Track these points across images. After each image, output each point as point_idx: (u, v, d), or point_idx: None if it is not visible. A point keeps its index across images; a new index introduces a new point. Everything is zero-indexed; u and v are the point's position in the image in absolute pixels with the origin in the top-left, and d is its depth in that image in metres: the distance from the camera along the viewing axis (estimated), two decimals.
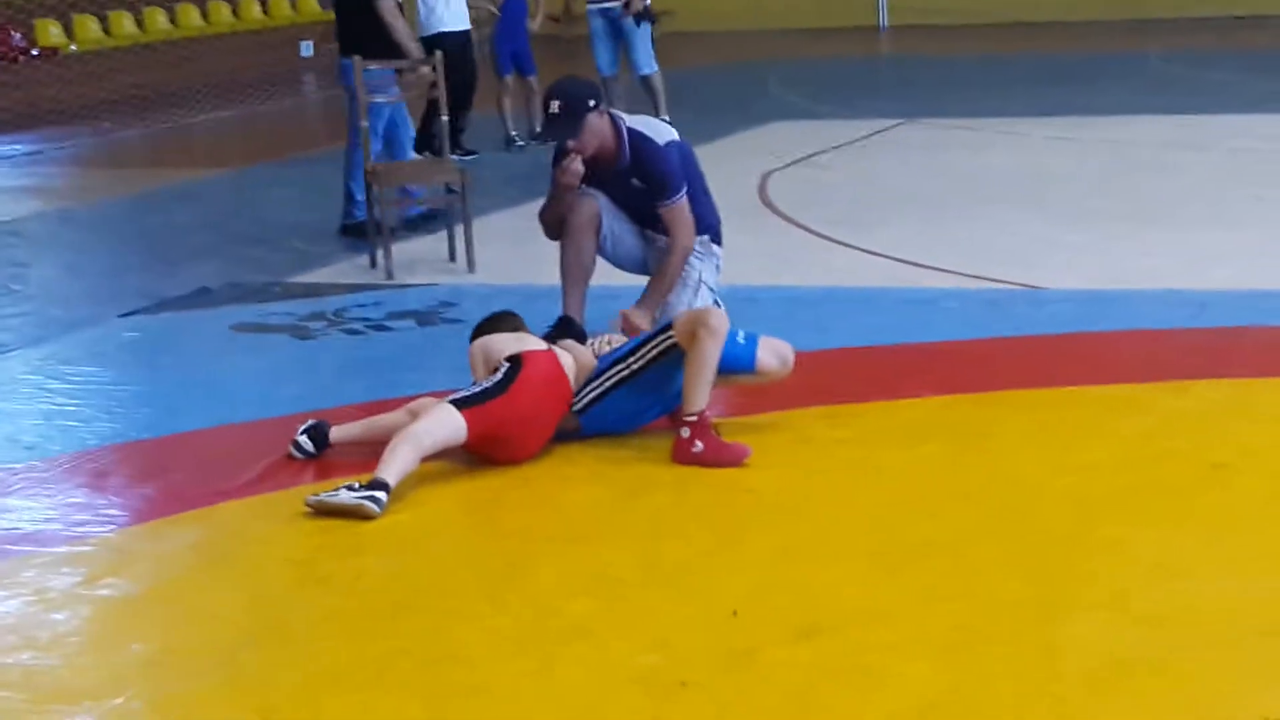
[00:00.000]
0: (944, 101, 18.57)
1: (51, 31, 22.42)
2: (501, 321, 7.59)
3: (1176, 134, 15.70)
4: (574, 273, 8.65)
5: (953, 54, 23.56)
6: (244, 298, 10.59)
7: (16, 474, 7.41)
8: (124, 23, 23.47)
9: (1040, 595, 5.69)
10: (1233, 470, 6.91)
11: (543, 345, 7.45)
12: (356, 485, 6.72)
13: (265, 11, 25.31)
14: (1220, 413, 7.68)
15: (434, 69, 11.69)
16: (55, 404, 8.54)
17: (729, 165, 14.35)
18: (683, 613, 5.55)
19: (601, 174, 8.47)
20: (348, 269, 11.47)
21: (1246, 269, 10.28)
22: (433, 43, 13.16)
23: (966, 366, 8.53)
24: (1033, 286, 10.11)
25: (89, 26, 22.97)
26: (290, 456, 7.29)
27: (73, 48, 22.51)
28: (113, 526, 6.85)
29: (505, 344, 7.35)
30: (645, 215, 8.61)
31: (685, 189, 8.52)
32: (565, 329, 8.31)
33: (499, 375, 7.12)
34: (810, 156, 15.15)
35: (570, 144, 8.27)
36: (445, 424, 6.99)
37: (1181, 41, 23.47)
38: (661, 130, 8.80)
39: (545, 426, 7.28)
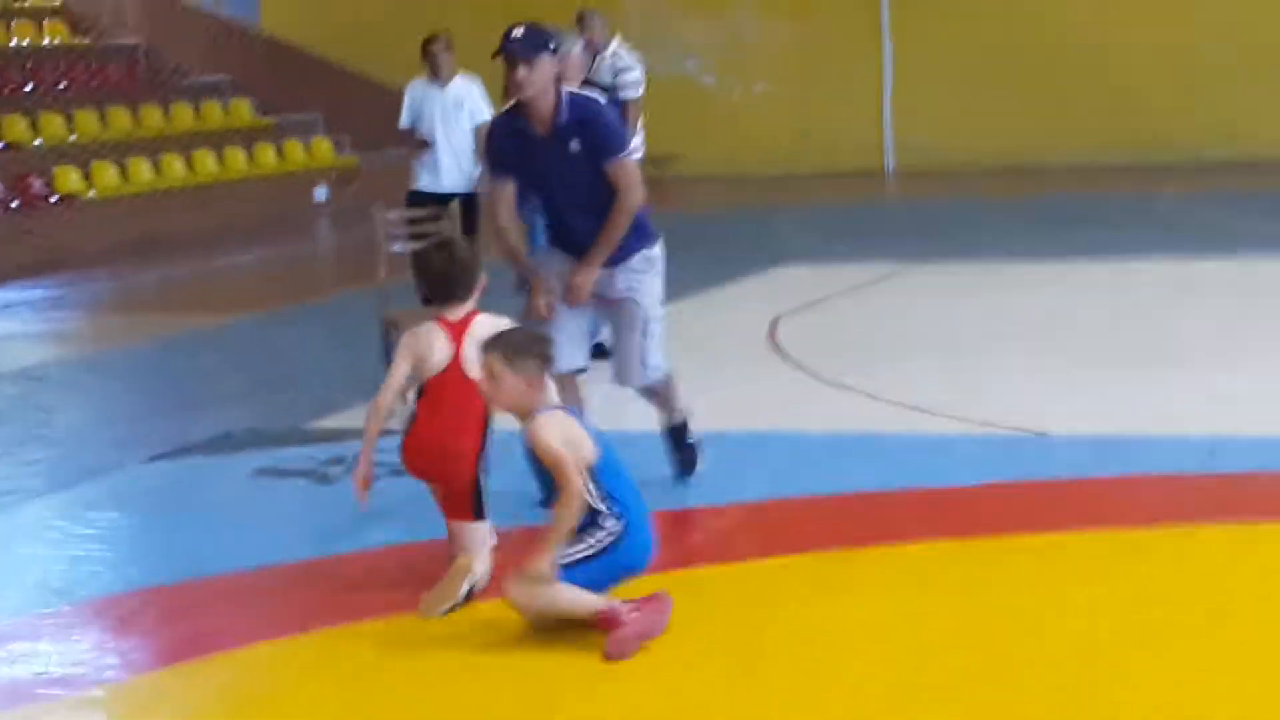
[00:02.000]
0: (952, 245, 18.46)
1: (71, 178, 22.46)
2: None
3: (1186, 276, 15.57)
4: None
5: (960, 197, 23.41)
6: (265, 443, 10.55)
7: (45, 619, 7.38)
8: (142, 169, 23.49)
9: None
10: (1237, 616, 6.82)
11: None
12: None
13: (280, 156, 25.48)
14: (1227, 557, 7.62)
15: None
16: (82, 549, 8.47)
17: (739, 310, 14.59)
18: None
19: (537, 136, 8.16)
20: (364, 415, 11.24)
21: (1258, 413, 10.14)
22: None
23: (975, 511, 8.45)
24: (1041, 432, 9.99)
25: (108, 173, 22.98)
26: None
27: (92, 194, 22.56)
28: (139, 671, 6.82)
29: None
30: (575, 193, 8.27)
31: (629, 151, 8.52)
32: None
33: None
34: (820, 301, 15.06)
35: (519, 73, 7.95)
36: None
37: (1188, 184, 23.21)
38: None
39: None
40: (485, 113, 12.95)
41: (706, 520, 8.29)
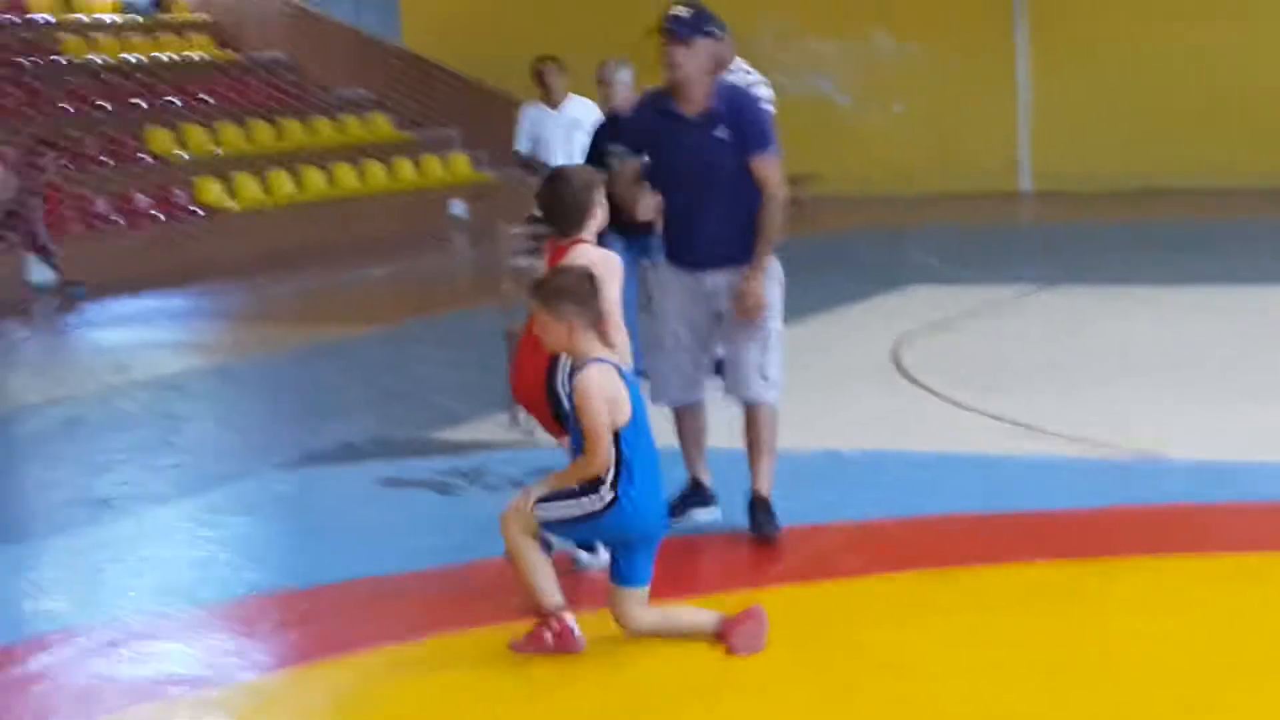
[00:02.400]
0: (1084, 267, 18.33)
1: (213, 191, 22.71)
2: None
3: None
4: None
5: (1095, 219, 23.25)
6: (388, 453, 10.65)
7: (171, 620, 7.51)
8: (282, 182, 23.76)
9: None
10: None
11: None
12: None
13: (418, 171, 25.69)
14: None
15: None
16: (207, 552, 8.66)
17: (866, 328, 14.57)
18: None
19: (684, 119, 7.92)
20: (490, 426, 11.27)
21: None
22: None
23: (1081, 534, 8.41)
24: (1157, 455, 9.89)
25: (249, 186, 23.26)
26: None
27: (233, 206, 22.82)
28: (259, 671, 6.93)
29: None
30: (714, 182, 7.96)
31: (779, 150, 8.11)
32: None
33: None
34: (946, 320, 15.06)
35: (676, 53, 7.74)
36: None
37: None
38: None
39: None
40: None
41: (813, 538, 8.22)
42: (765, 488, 8.13)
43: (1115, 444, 10.22)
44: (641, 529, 6.75)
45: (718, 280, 7.99)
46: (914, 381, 12.50)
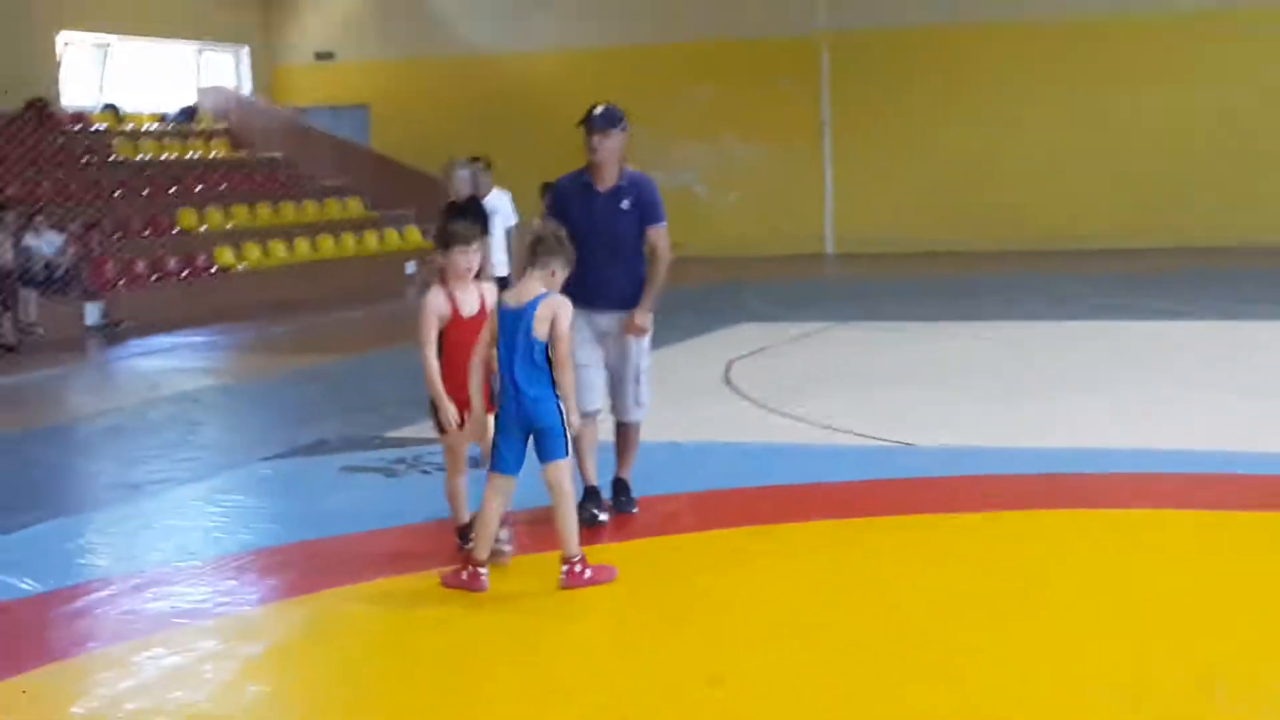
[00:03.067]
0: (871, 309, 18.33)
1: (227, 255, 22.61)
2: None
3: (1053, 334, 15.66)
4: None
5: (880, 275, 23.33)
6: (350, 448, 10.62)
7: (182, 570, 7.61)
8: (279, 249, 23.61)
9: (880, 662, 5.88)
10: (1045, 580, 6.98)
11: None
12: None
13: (381, 241, 25.65)
14: (1036, 536, 7.73)
15: None
16: (212, 521, 8.65)
17: (705, 354, 14.51)
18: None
19: (596, 192, 7.84)
20: (425, 428, 11.28)
21: (1094, 432, 10.26)
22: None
23: (856, 499, 8.56)
24: (915, 444, 10.08)
25: (254, 251, 23.13)
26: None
27: (242, 267, 22.71)
28: (247, 606, 7.10)
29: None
30: (614, 242, 7.84)
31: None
32: None
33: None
34: (766, 349, 15.07)
35: (594, 140, 7.70)
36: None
37: (1072, 266, 23.10)
38: None
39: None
40: (513, 218, 12.52)
41: (660, 505, 8.26)
42: (627, 475, 8.17)
43: (883, 436, 10.41)
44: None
45: (610, 320, 7.86)
46: (739, 393, 12.54)
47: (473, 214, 11.40)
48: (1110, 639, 6.07)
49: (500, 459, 6.94)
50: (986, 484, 8.90)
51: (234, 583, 7.49)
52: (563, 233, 7.07)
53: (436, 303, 7.16)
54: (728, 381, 13.17)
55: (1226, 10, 25.01)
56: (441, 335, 7.16)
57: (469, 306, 7.17)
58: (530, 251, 6.96)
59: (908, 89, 26.66)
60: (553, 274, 6.90)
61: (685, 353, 13.99)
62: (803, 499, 8.69)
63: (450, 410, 7.16)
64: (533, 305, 6.77)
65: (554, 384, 6.84)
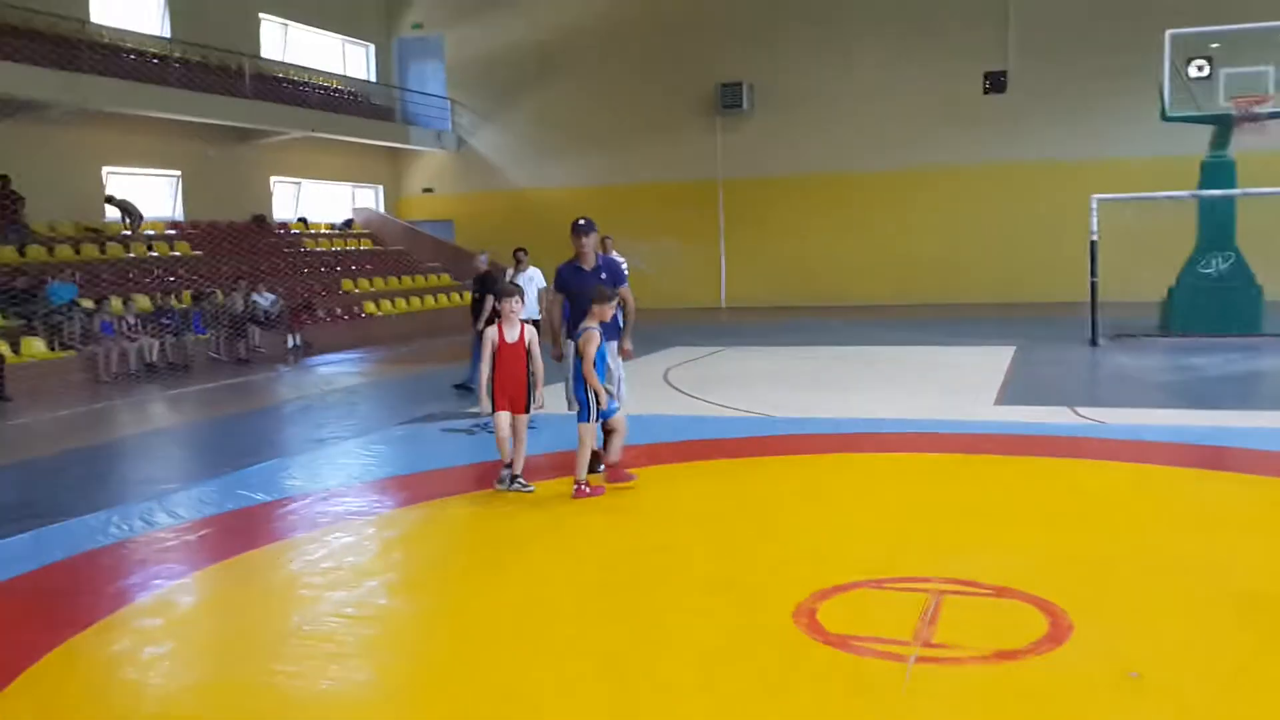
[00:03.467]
0: (752, 340, 18.31)
1: (370, 307, 22.55)
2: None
3: (851, 355, 15.55)
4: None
5: (758, 321, 23.10)
6: (445, 418, 10.65)
7: (350, 488, 7.68)
8: (400, 304, 23.52)
9: (751, 532, 6.11)
10: (832, 486, 7.29)
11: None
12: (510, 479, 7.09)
13: (460, 298, 24.88)
14: (833, 466, 7.89)
15: None
16: (366, 461, 8.72)
17: (652, 365, 14.39)
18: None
19: (583, 270, 7.53)
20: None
21: (874, 409, 10.29)
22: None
23: (743, 448, 8.57)
24: (774, 415, 10.09)
25: (385, 305, 23.08)
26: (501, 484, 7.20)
27: (379, 314, 22.54)
28: (390, 509, 7.11)
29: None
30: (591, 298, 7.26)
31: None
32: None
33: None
34: (689, 361, 15.05)
35: (584, 239, 7.48)
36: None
37: (870, 315, 23.13)
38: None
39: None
40: (542, 284, 12.14)
41: (626, 451, 7.59)
42: (615, 460, 7.41)
43: (761, 411, 10.43)
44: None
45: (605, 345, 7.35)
46: (674, 388, 12.58)
47: (491, 281, 11.91)
48: (856, 513, 6.41)
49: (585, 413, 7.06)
50: (810, 439, 8.93)
51: (382, 495, 7.54)
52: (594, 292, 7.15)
53: (491, 335, 7.02)
54: (667, 381, 13.18)
55: (955, 166, 25.24)
56: (494, 355, 6.99)
57: (511, 335, 6.98)
58: (597, 300, 7.05)
59: (771, 210, 26.67)
60: (604, 309, 7.09)
61: (640, 364, 14.10)
62: (710, 447, 8.72)
63: (487, 402, 7.03)
64: (579, 332, 7.06)
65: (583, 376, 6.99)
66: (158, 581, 5.67)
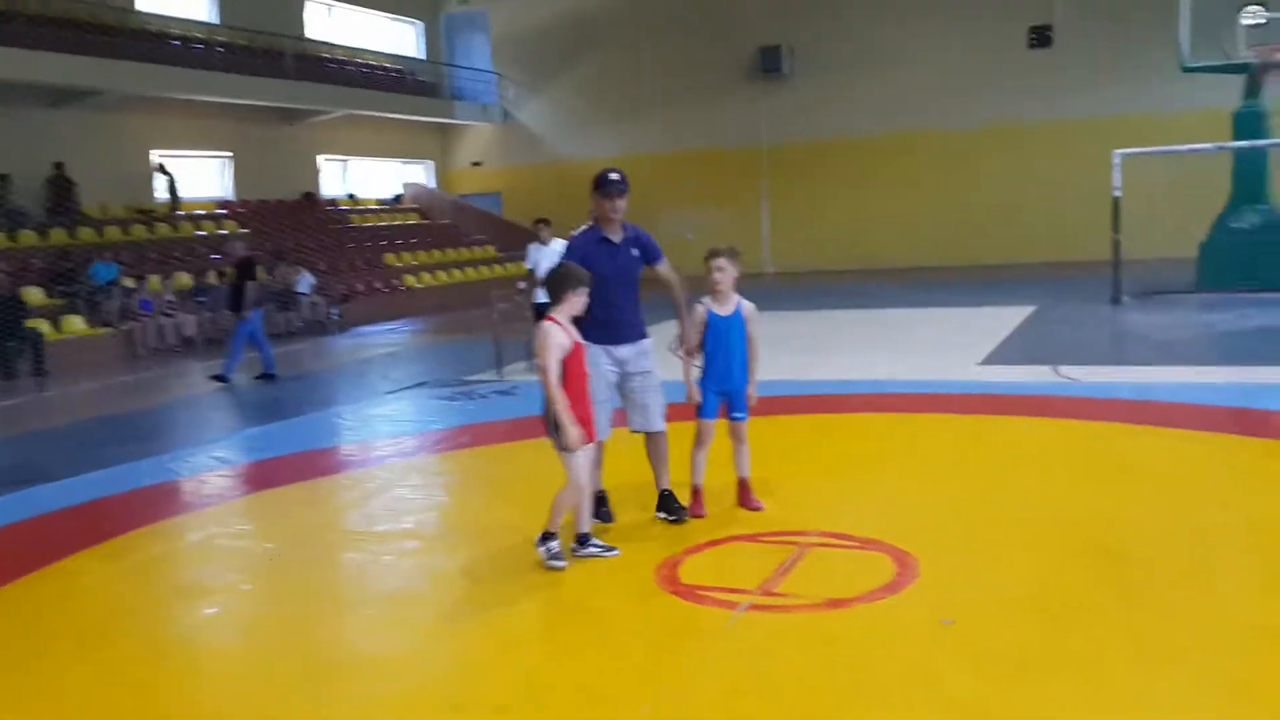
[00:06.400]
0: (776, 302, 17.84)
1: (410, 280, 22.87)
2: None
3: (865, 317, 15.36)
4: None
5: (800, 285, 22.93)
6: (480, 380, 11.09)
7: (394, 442, 8.08)
8: (441, 276, 23.80)
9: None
10: (843, 439, 7.24)
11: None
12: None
13: (504, 270, 25.26)
14: (846, 424, 7.90)
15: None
16: (405, 414, 9.32)
17: (666, 331, 14.61)
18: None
19: (610, 242, 5.50)
20: (517, 369, 11.62)
21: (888, 371, 10.21)
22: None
23: (773, 405, 8.21)
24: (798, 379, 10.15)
25: (426, 278, 23.36)
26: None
27: (419, 287, 22.85)
28: (429, 453, 7.65)
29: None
30: (629, 277, 5.57)
31: None
32: None
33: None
34: None
35: (619, 201, 5.45)
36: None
37: (893, 278, 22.79)
38: None
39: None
40: None
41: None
42: (668, 484, 5.75)
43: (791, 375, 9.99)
44: None
45: (628, 350, 5.55)
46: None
47: (250, 266, 12.20)
48: (765, 472, 6.37)
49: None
50: (832, 399, 8.88)
51: (423, 443, 8.04)
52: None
53: (558, 338, 4.86)
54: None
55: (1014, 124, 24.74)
56: (562, 365, 4.88)
57: (576, 334, 5.00)
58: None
59: (814, 174, 26.50)
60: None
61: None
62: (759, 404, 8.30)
63: (576, 433, 4.84)
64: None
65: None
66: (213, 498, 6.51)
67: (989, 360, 10.77)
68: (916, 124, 25.32)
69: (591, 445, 5.06)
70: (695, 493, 5.73)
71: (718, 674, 3.72)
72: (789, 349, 12.36)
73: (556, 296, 5.00)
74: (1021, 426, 7.50)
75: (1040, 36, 24.18)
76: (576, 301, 4.99)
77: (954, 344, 12.11)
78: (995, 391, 8.78)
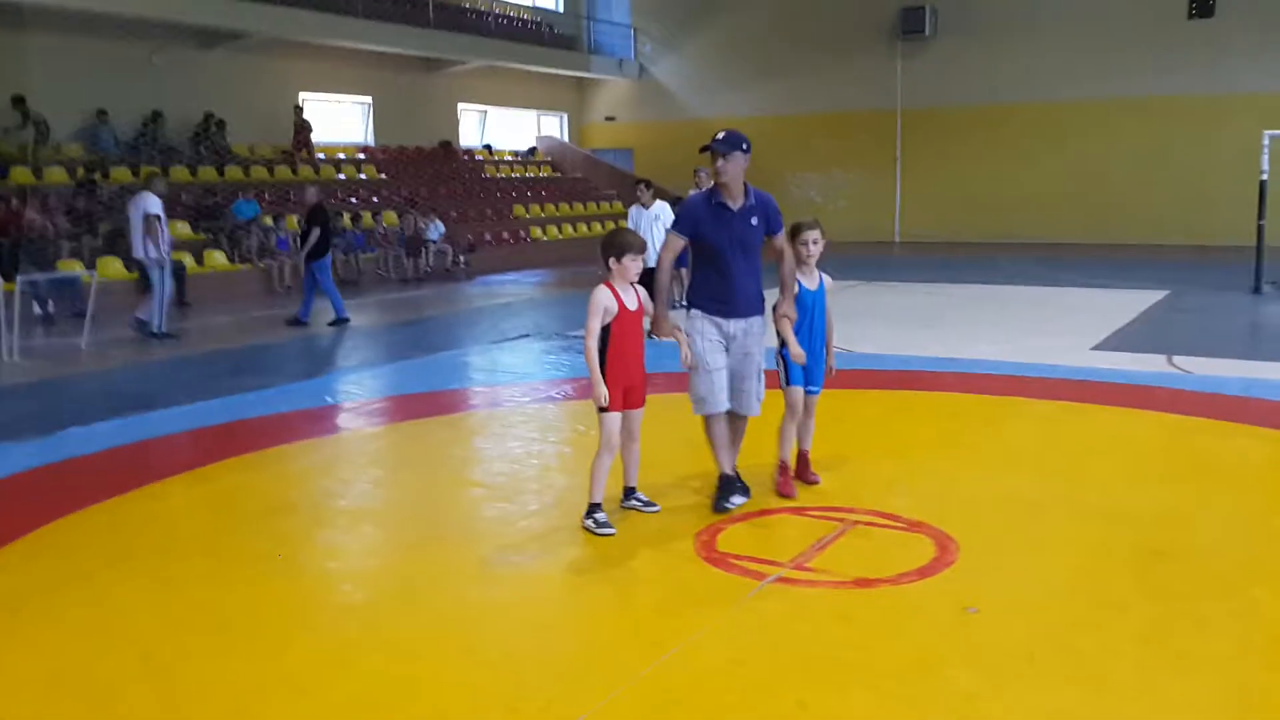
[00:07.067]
0: (900, 272, 17.95)
1: (536, 232, 23.25)
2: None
3: (989, 294, 14.88)
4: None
5: (930, 256, 22.41)
6: (547, 337, 11.29)
7: (509, 389, 8.44)
8: (566, 229, 24.15)
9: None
10: (926, 418, 7.13)
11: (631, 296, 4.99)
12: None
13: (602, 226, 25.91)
14: (939, 403, 7.65)
15: None
16: (520, 360, 9.79)
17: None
18: None
19: (727, 208, 5.14)
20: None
21: (993, 351, 9.93)
22: None
23: (852, 379, 8.16)
24: (846, 349, 9.57)
25: (551, 230, 23.72)
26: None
27: (544, 238, 23.25)
28: (535, 403, 7.84)
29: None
30: (746, 247, 5.16)
31: None
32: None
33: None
34: (847, 287, 14.94)
35: (716, 163, 5.10)
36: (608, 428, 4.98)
37: (1025, 253, 22.19)
38: None
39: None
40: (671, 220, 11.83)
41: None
42: (733, 470, 5.44)
43: (841, 346, 10.12)
44: None
45: (738, 325, 5.19)
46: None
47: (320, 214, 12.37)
48: (830, 447, 6.28)
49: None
50: (849, 375, 8.50)
51: (532, 392, 8.35)
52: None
53: (604, 300, 4.89)
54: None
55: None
56: (607, 328, 4.88)
57: (631, 301, 4.94)
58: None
59: (952, 142, 25.80)
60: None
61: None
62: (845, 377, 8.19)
63: (604, 391, 4.86)
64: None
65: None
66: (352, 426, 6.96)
67: (1102, 346, 10.37)
68: (1063, 94, 24.30)
69: (636, 411, 5.09)
70: (783, 468, 5.64)
71: (726, 642, 3.75)
72: (896, 322, 12.19)
73: (604, 260, 4.98)
74: (1111, 417, 7.25)
75: (1202, 6, 22.80)
76: (628, 266, 4.94)
77: (1071, 326, 11.70)
78: (1097, 379, 8.49)
